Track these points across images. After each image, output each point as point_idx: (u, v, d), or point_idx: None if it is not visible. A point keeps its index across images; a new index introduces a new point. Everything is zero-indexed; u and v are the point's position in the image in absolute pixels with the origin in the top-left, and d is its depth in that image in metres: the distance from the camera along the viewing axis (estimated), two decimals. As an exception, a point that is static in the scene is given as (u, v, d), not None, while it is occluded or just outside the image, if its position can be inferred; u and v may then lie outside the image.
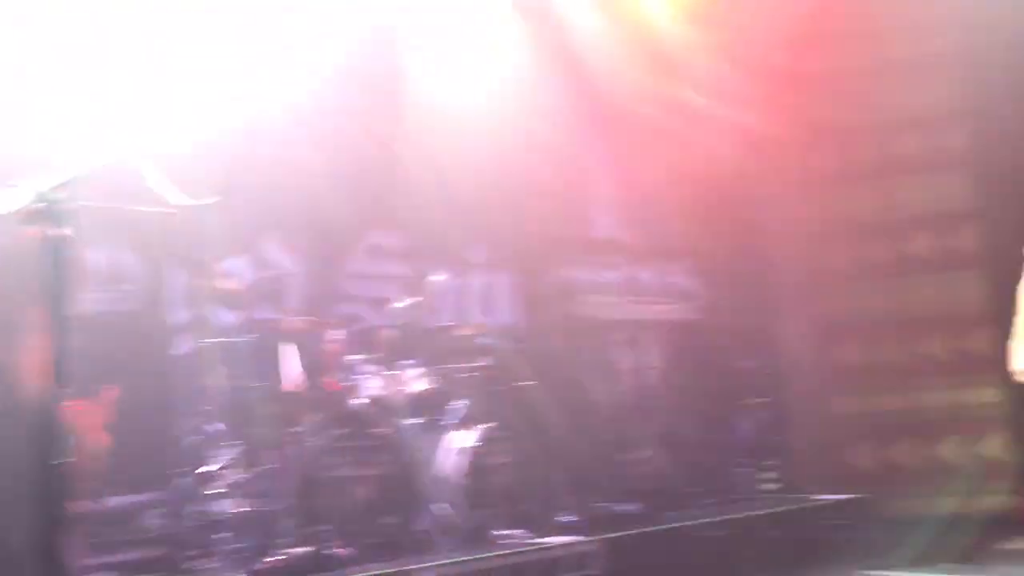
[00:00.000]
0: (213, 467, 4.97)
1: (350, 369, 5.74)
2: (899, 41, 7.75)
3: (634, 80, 8.26)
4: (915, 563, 6.24)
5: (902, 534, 6.58)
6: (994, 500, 7.19)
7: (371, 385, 5.74)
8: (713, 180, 8.00)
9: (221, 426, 5.08)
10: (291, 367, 5.48)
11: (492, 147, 7.79)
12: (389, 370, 5.92)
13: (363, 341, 6.07)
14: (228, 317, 5.59)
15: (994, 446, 7.32)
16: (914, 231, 7.65)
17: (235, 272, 5.93)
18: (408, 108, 7.42)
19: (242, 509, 4.93)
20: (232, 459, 5.04)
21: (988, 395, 7.31)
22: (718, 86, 7.97)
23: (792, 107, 8.03)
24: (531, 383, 6.48)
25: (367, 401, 5.66)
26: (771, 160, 8.27)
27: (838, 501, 7.03)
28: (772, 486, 7.80)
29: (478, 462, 5.66)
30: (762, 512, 6.74)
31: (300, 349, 5.63)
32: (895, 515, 7.29)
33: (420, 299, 6.22)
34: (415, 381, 5.92)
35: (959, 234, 7.50)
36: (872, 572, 6.14)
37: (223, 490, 4.93)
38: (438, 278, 6.33)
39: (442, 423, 5.89)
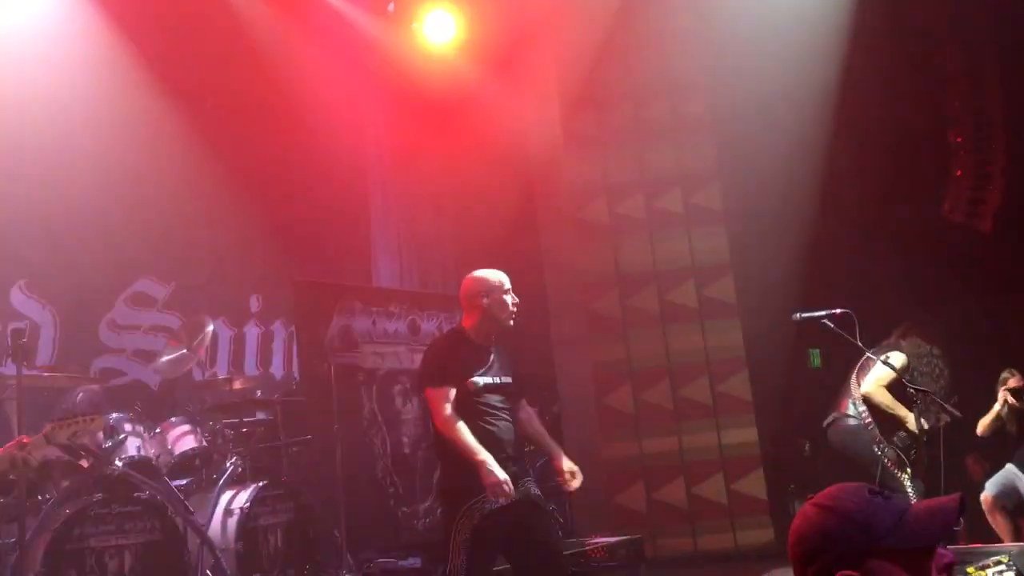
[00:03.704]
0: None
1: (110, 428, 5.28)
2: (658, 103, 8.26)
3: (413, 133, 8.35)
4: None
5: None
6: (754, 535, 7.67)
7: (134, 445, 5.31)
8: (493, 230, 8.16)
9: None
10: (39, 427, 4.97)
11: (267, 193, 7.60)
12: (154, 428, 5.52)
13: (124, 397, 5.63)
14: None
15: (753, 484, 7.81)
16: (676, 281, 8.11)
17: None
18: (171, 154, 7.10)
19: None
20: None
21: (746, 436, 7.82)
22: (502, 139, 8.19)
23: (566, 163, 8.36)
24: (308, 437, 6.26)
25: (129, 462, 5.22)
26: (546, 213, 8.55)
27: (612, 543, 7.23)
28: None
29: (252, 524, 5.35)
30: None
31: (52, 407, 5.14)
32: (666, 554, 7.61)
33: (187, 351, 5.85)
34: (182, 439, 5.54)
35: (716, 284, 8.02)
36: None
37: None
38: (208, 329, 5.98)
39: (213, 483, 5.54)
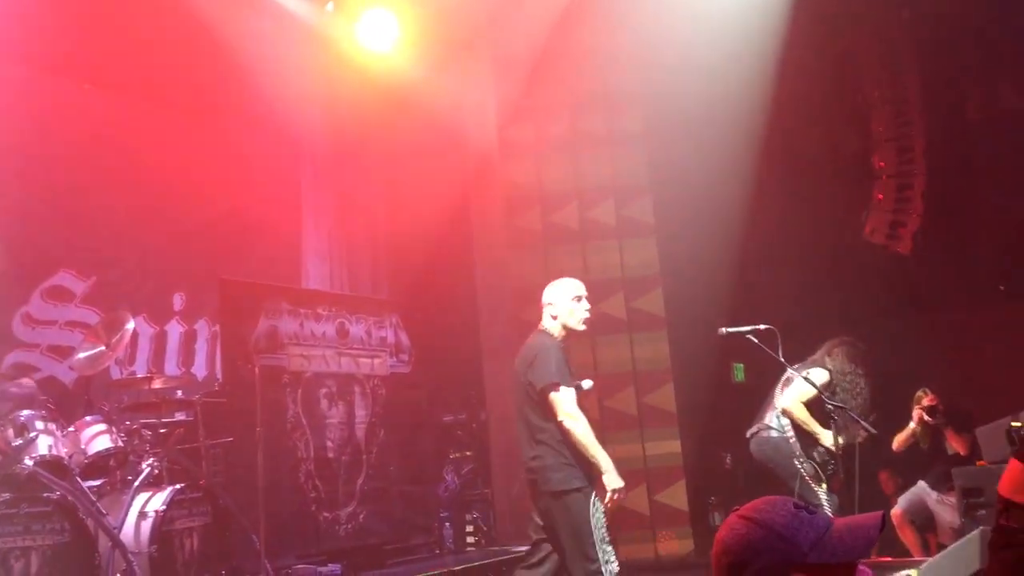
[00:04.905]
0: None
1: (21, 426, 5.08)
2: (594, 116, 8.34)
3: (348, 135, 8.27)
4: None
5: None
6: (675, 546, 7.76)
7: (45, 444, 5.11)
8: (426, 236, 8.13)
9: None
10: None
11: (196, 189, 7.45)
12: (67, 426, 5.34)
13: (37, 394, 5.43)
14: None
15: (675, 495, 7.91)
16: (607, 292, 8.18)
17: None
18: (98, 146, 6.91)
19: None
20: None
21: (670, 447, 7.92)
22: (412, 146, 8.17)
23: (501, 171, 8.38)
24: (229, 439, 6.12)
25: (39, 461, 5.02)
26: (480, 221, 8.55)
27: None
28: (474, 539, 7.90)
29: (167, 527, 5.21)
30: (462, 567, 6.79)
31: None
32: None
33: (105, 348, 5.67)
34: (97, 439, 5.37)
35: (646, 297, 8.12)
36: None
37: None
38: (128, 325, 5.81)
39: (127, 485, 5.38)
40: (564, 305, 4.73)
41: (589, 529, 4.41)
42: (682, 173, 7.87)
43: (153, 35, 6.86)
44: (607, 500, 4.46)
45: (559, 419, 4.49)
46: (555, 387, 4.50)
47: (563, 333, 4.72)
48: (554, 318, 4.73)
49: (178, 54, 6.97)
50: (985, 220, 8.03)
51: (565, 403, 4.50)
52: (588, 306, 4.76)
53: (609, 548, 4.42)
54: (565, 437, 4.51)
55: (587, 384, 4.65)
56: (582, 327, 4.75)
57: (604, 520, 4.45)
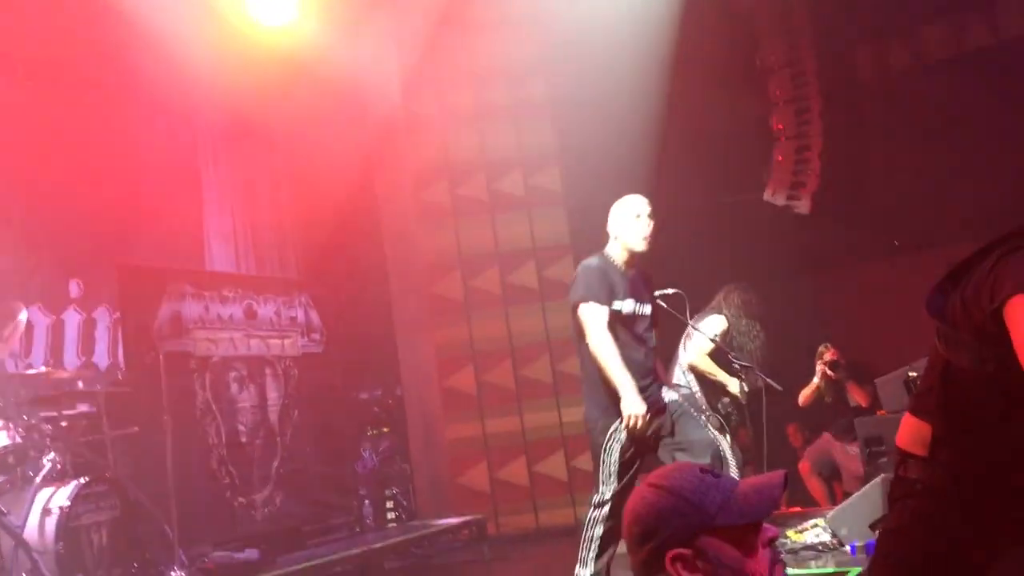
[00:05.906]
0: None
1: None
2: (498, 85, 8.29)
3: (248, 110, 8.04)
4: None
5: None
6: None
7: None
8: (334, 212, 7.99)
9: None
10: None
11: (90, 170, 7.16)
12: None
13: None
14: None
15: (592, 460, 8.00)
16: (517, 263, 8.19)
17: None
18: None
19: None
20: None
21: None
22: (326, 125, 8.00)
23: (407, 144, 8.28)
24: (135, 429, 5.95)
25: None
26: (387, 195, 8.45)
27: (456, 524, 7.28)
28: (394, 515, 7.89)
29: (73, 523, 5.04)
30: (383, 544, 6.77)
31: None
32: (509, 532, 7.72)
33: (-1, 341, 5.43)
34: (-7, 435, 5.15)
35: (557, 266, 8.15)
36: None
37: None
38: (21, 316, 5.57)
39: (29, 481, 5.18)
40: (621, 223, 4.55)
41: (598, 461, 4.43)
42: (587, 140, 7.90)
43: (36, 11, 6.53)
44: (624, 424, 4.29)
45: (587, 339, 4.37)
46: (582, 301, 4.37)
47: (625, 255, 4.54)
48: (615, 239, 4.57)
49: (64, 31, 6.64)
50: (879, 177, 8.29)
51: (591, 322, 4.34)
52: (649, 223, 4.53)
53: (612, 484, 4.36)
54: (592, 359, 4.37)
55: (627, 306, 4.43)
56: (642, 245, 4.49)
57: (618, 455, 4.35)
